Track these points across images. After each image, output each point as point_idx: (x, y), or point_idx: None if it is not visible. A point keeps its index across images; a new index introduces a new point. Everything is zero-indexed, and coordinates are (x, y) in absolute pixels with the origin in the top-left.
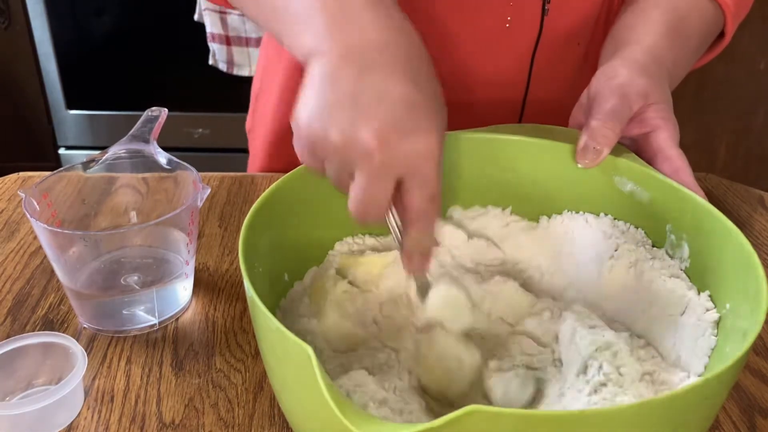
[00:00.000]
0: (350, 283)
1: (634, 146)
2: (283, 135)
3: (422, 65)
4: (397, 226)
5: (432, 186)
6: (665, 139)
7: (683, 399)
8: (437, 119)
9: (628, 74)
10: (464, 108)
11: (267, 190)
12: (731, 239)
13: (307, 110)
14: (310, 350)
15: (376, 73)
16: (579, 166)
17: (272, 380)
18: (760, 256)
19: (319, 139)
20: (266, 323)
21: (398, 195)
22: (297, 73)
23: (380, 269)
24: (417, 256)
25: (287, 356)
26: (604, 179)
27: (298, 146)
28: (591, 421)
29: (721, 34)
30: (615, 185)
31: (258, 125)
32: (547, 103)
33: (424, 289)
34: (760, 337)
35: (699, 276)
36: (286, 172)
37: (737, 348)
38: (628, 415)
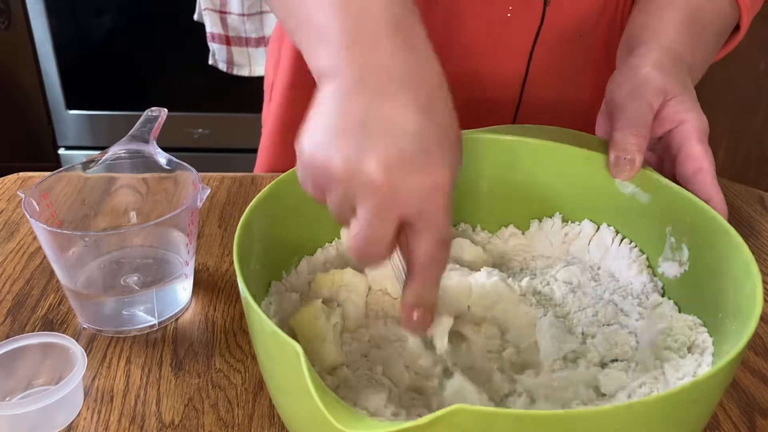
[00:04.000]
0: (338, 304)
1: (662, 146)
2: (289, 129)
3: (440, 97)
4: (404, 271)
5: (442, 229)
6: (688, 134)
7: (678, 397)
8: (451, 154)
9: (643, 73)
10: (457, 106)
11: (264, 189)
12: (730, 242)
13: (311, 136)
14: (298, 348)
15: (389, 102)
16: (617, 180)
17: (266, 379)
18: (760, 256)
19: (321, 167)
20: (260, 323)
21: (404, 238)
22: (304, 67)
23: (365, 287)
24: (419, 312)
25: (278, 355)
26: (606, 182)
27: (301, 174)
28: (582, 421)
29: (736, 28)
30: (616, 188)
31: (268, 118)
32: (542, 103)
33: (429, 344)
34: (759, 337)
35: (698, 279)
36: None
37: (733, 347)
38: (620, 414)
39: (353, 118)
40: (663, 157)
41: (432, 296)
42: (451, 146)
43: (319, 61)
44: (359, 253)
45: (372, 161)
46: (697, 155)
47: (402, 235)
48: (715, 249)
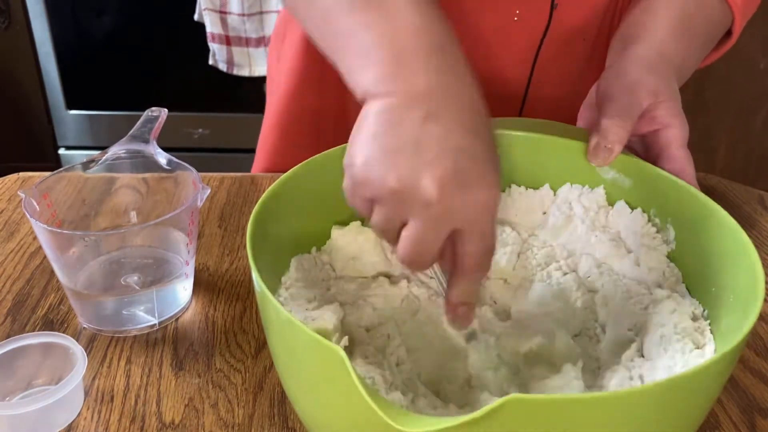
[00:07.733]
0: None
1: (643, 144)
2: (290, 126)
3: (483, 116)
4: (440, 275)
5: (489, 239)
6: (673, 137)
7: (679, 383)
8: (497, 173)
9: (638, 72)
10: None
11: (273, 185)
12: (716, 219)
13: (365, 152)
14: (342, 353)
15: (440, 122)
16: (592, 164)
17: (291, 384)
18: (760, 256)
19: (375, 182)
20: (293, 329)
21: (446, 244)
22: (307, 62)
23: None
24: (464, 309)
25: (312, 356)
26: (587, 169)
27: (350, 187)
28: (626, 402)
29: (728, 33)
30: (598, 174)
31: (268, 115)
32: (546, 101)
33: (470, 337)
34: (759, 336)
35: (686, 258)
36: (288, 168)
37: (733, 322)
38: (657, 392)
39: (407, 136)
40: (644, 156)
41: (475, 294)
42: (496, 165)
43: (363, 80)
44: (410, 261)
45: (427, 178)
46: (679, 157)
47: (446, 242)
48: (701, 227)
